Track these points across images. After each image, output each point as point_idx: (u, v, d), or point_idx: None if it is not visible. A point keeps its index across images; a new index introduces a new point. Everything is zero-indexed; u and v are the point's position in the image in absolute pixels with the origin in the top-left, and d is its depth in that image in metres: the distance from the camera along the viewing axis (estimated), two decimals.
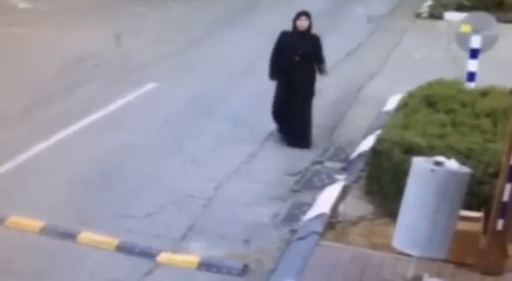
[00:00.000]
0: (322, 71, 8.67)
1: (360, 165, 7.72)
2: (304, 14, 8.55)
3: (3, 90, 10.20)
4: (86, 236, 6.28)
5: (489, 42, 8.71)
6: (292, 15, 8.53)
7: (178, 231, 6.50)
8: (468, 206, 5.67)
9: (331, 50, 13.08)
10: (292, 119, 8.55)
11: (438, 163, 5.17)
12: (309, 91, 8.65)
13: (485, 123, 7.01)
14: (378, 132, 7.59)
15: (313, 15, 8.51)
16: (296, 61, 8.42)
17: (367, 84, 11.17)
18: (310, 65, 8.58)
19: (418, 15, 16.79)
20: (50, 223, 6.45)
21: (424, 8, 17.19)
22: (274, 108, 8.72)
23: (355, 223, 6.52)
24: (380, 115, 9.21)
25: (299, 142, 8.55)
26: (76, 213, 6.74)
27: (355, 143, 8.48)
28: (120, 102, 9.96)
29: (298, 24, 8.47)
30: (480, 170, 6.07)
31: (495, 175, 5.80)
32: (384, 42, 13.91)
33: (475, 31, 8.65)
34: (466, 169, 5.28)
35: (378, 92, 10.54)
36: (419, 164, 5.26)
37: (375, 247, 6.09)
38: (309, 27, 8.54)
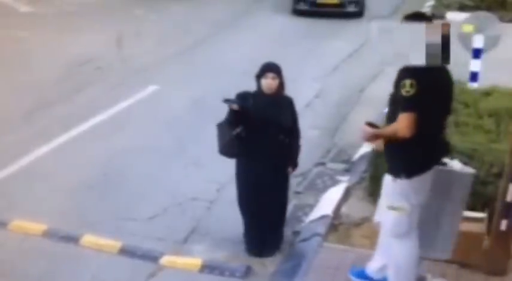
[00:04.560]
0: (297, 147, 6.02)
1: (363, 166, 7.71)
2: (272, 69, 5.70)
3: (6, 94, 10.23)
4: (88, 239, 6.27)
5: (492, 42, 8.69)
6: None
7: (181, 234, 6.49)
8: (472, 207, 5.66)
9: (332, 52, 13.19)
10: (264, 220, 6.00)
11: (441, 163, 5.15)
12: (284, 179, 6.04)
13: (489, 123, 6.99)
14: None
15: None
16: (277, 140, 5.74)
17: (370, 85, 11.15)
18: (287, 141, 5.88)
19: None
20: (53, 227, 6.45)
21: (426, 8, 17.13)
22: (241, 202, 6.10)
23: (358, 224, 6.50)
24: (382, 116, 9.17)
25: (269, 249, 6.13)
26: (79, 216, 6.74)
27: (357, 145, 8.45)
28: (122, 105, 9.96)
29: (265, 85, 5.69)
30: (483, 171, 6.04)
31: (499, 175, 5.77)
32: (385, 43, 13.86)
33: (478, 31, 8.63)
34: (469, 169, 5.24)
35: (380, 93, 10.47)
36: None
37: None
38: (281, 87, 5.78)
